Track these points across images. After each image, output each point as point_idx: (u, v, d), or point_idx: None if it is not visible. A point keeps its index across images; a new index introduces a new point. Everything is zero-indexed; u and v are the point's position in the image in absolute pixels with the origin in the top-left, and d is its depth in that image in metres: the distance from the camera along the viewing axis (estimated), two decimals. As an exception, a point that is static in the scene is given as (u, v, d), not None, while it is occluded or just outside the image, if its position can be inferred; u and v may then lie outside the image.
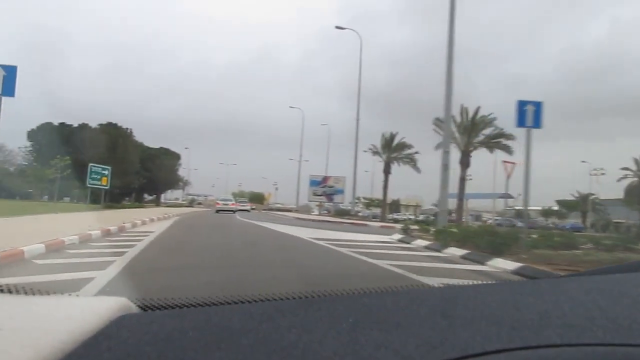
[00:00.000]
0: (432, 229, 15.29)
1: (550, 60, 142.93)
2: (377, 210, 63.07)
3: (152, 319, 0.77)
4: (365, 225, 28.84)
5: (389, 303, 0.86)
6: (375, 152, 44.62)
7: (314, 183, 57.95)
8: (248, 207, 47.98)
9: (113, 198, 57.45)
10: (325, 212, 57.88)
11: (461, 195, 34.59)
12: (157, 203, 77.23)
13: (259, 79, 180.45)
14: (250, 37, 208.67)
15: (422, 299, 0.91)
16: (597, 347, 0.68)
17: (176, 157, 77.02)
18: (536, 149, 11.05)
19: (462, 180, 34.37)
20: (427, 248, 12.08)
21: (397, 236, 15.21)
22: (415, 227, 17.37)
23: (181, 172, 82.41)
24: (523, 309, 0.81)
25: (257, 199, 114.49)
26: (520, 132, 12.48)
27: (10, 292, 0.84)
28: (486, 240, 10.34)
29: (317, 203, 60.83)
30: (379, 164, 46.61)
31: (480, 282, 1.10)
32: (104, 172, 30.09)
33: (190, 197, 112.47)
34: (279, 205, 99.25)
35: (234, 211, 39.27)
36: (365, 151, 46.09)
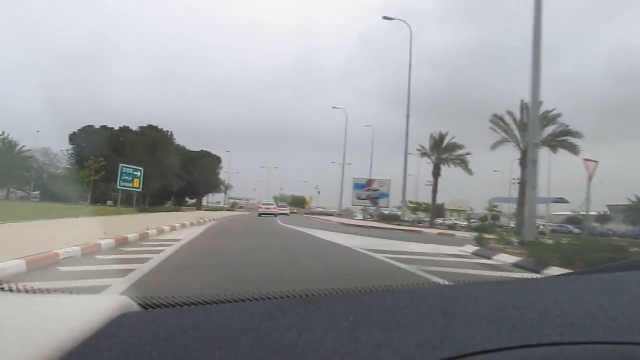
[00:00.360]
0: (515, 240, 12.61)
1: (601, 60, 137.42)
2: (422, 215, 59.99)
3: (153, 317, 0.78)
4: (420, 232, 25.75)
5: (389, 302, 0.86)
6: (424, 154, 41.66)
7: (358, 186, 55.48)
8: (287, 211, 49.79)
9: (154, 201, 57.03)
10: (369, 216, 55.33)
11: (522, 200, 31.33)
12: (198, 207, 76.65)
13: (301, 83, 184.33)
14: (291, 42, 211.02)
15: (423, 298, 0.90)
16: (597, 345, 0.67)
17: (217, 160, 76.37)
18: (587, 151, 8.69)
19: (524, 183, 31.11)
20: (518, 267, 9.30)
21: (470, 248, 12.44)
22: (492, 236, 14.52)
23: (222, 175, 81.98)
24: (523, 308, 0.80)
25: (299, 203, 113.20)
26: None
27: (11, 290, 0.84)
28: (608, 258, 7.70)
29: (362, 207, 58.25)
30: (424, 166, 44.15)
31: (480, 281, 1.09)
32: (136, 173, 28.33)
33: (232, 200, 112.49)
34: (320, 210, 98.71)
35: (275, 215, 40.90)
36: (410, 153, 43.29)
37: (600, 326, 0.73)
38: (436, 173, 41.08)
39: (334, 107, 63.01)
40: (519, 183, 30.49)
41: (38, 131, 60.78)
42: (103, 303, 0.80)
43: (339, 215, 61.08)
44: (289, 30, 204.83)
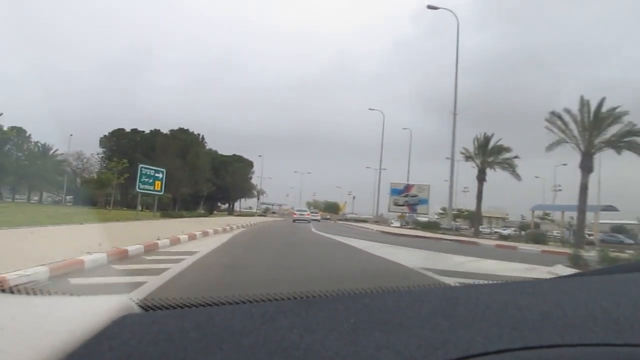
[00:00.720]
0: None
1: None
2: (460, 223, 56.55)
3: (154, 319, 0.78)
4: (475, 244, 22.51)
5: (390, 304, 0.85)
6: (468, 157, 38.62)
7: (395, 192, 52.63)
8: (318, 217, 49.31)
9: (184, 206, 55.62)
10: (405, 223, 52.46)
11: (583, 207, 27.97)
12: (229, 212, 75.30)
13: (334, 88, 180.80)
14: (325, 47, 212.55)
15: (424, 300, 0.90)
16: (598, 347, 0.67)
17: (249, 164, 74.73)
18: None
19: (584, 188, 27.74)
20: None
21: (563, 269, 9.81)
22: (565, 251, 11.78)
23: (255, 180, 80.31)
24: (524, 309, 0.80)
25: (332, 208, 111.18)
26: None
27: (12, 292, 0.84)
28: None
29: (399, 214, 55.24)
30: (464, 171, 41.05)
31: (480, 283, 1.09)
32: (157, 175, 25.16)
33: (265, 206, 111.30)
34: (352, 215, 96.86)
35: (308, 220, 41.17)
36: (447, 157, 40.17)
37: (601, 328, 0.72)
38: (481, 178, 37.90)
39: (370, 109, 60.16)
40: (579, 188, 27.05)
41: (71, 135, 60.22)
42: (104, 304, 0.80)
43: (375, 222, 58.40)
44: (322, 36, 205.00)
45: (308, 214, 44.46)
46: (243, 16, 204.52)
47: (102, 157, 58.12)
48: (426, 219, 47.41)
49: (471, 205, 47.67)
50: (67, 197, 60.51)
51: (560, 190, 61.61)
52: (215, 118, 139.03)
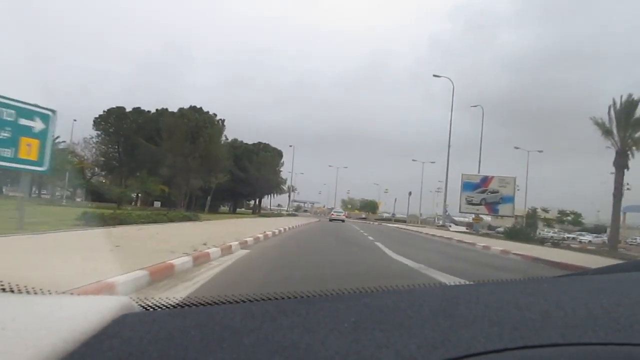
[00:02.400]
0: None
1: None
2: (554, 230, 43.46)
3: (154, 318, 0.78)
4: None
5: (390, 303, 0.86)
6: (607, 131, 25.82)
7: (468, 187, 39.17)
8: (343, 217, 49.69)
9: (199, 202, 44.48)
10: (479, 229, 39.92)
11: None
12: (255, 210, 64.07)
13: (370, 86, 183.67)
14: (361, 45, 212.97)
15: (424, 299, 0.90)
16: (598, 346, 0.68)
17: (278, 154, 62.89)
18: None
19: None
20: None
21: None
22: None
23: (285, 175, 69.02)
24: (525, 308, 0.80)
25: (369, 207, 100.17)
26: None
27: (12, 291, 0.85)
28: None
29: (474, 216, 41.69)
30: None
31: (481, 282, 1.08)
32: (26, 120, 9.84)
33: (296, 203, 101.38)
34: (386, 215, 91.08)
35: (343, 220, 44.99)
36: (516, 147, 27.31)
37: (602, 327, 0.72)
38: (621, 163, 25.29)
39: (436, 75, 45.88)
40: None
41: (75, 120, 49.14)
42: (105, 304, 0.79)
43: (424, 224, 48.28)
44: (358, 34, 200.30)
45: (344, 215, 51.77)
46: (282, 15, 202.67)
47: (97, 142, 47.20)
48: (514, 224, 34.22)
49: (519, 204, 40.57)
50: (67, 193, 50.61)
51: (629, 189, 55.44)
52: (251, 118, 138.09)
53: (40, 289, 0.88)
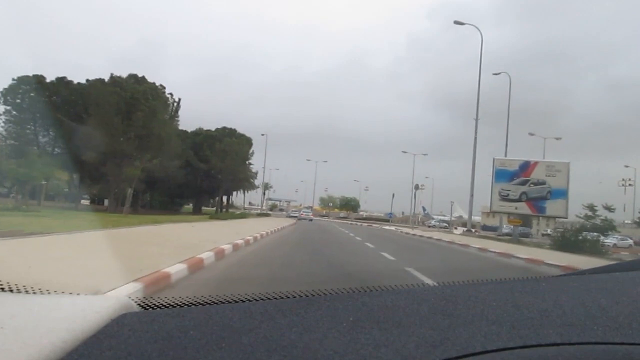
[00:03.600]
0: None
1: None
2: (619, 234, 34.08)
3: (153, 317, 0.78)
4: None
5: (389, 302, 0.86)
6: None
7: (503, 176, 28.47)
8: (311, 216, 52.68)
9: (142, 200, 33.36)
10: (503, 231, 30.03)
11: None
12: (219, 209, 53.16)
13: (348, 84, 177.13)
14: (339, 44, 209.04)
15: (422, 298, 0.90)
16: (596, 345, 0.68)
17: (246, 142, 51.53)
18: None
19: None
20: None
21: None
22: None
23: (258, 170, 58.31)
24: (523, 308, 0.81)
25: (350, 205, 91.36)
26: None
27: (11, 291, 0.85)
28: None
29: (509, 216, 30.67)
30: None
31: (480, 281, 1.08)
32: None
33: (272, 202, 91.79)
34: (363, 213, 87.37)
35: (311, 219, 47.79)
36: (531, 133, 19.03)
37: (600, 326, 0.73)
38: None
39: (458, 22, 35.16)
40: None
41: None
42: (104, 303, 0.80)
43: (443, 228, 43.47)
44: (336, 33, 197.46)
45: (312, 215, 55.24)
46: (258, 12, 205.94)
47: (7, 120, 35.06)
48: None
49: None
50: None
51: (631, 185, 55.30)
52: (229, 116, 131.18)
53: (39, 289, 0.87)
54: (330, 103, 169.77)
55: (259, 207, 72.99)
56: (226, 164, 46.29)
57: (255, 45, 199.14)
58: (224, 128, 50.66)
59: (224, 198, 57.33)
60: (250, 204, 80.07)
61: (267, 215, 55.44)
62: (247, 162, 52.11)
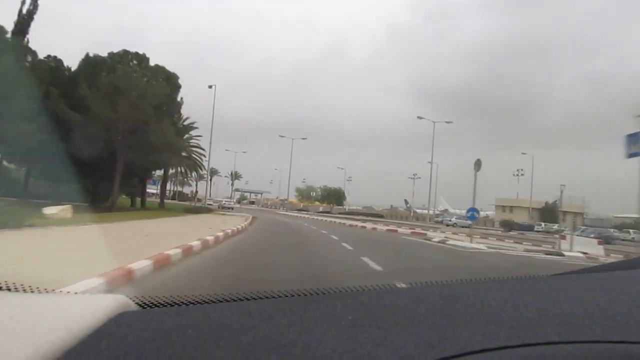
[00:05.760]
0: None
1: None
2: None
3: (151, 316, 0.79)
4: None
5: (387, 301, 0.86)
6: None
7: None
8: (232, 205, 55.87)
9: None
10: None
11: None
12: (135, 202, 30.65)
13: (326, 77, 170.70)
14: (318, 35, 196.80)
15: (421, 297, 0.90)
16: (595, 344, 0.68)
17: (165, 77, 29.11)
18: None
19: None
20: None
21: None
22: None
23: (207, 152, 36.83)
24: (522, 307, 0.81)
25: (333, 196, 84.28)
26: None
27: (9, 289, 0.85)
28: None
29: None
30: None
31: (478, 280, 1.08)
32: None
33: (239, 193, 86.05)
34: (346, 207, 78.85)
35: (232, 208, 50.63)
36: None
37: (599, 325, 0.72)
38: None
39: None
40: None
41: None
42: (102, 302, 0.79)
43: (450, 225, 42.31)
44: (315, 23, 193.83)
45: (233, 204, 59.82)
46: (235, 2, 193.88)
47: None
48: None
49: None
50: None
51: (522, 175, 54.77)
52: (208, 106, 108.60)
53: (37, 288, 0.87)
54: (312, 94, 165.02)
55: (222, 200, 59.79)
56: (121, 114, 23.62)
57: (235, 35, 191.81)
58: (125, 51, 27.80)
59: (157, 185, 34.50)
60: (209, 197, 57.82)
61: (228, 210, 41.06)
62: (170, 118, 29.27)
